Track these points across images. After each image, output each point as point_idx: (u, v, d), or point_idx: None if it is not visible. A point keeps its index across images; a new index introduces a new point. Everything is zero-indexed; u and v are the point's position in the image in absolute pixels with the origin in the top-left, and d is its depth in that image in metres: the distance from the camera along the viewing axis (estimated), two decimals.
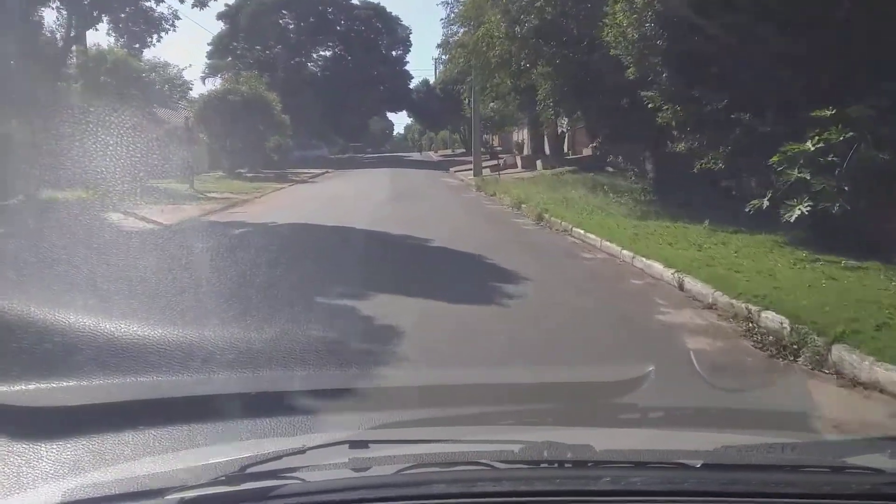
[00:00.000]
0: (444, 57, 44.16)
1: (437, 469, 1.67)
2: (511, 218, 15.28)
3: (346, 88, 49.44)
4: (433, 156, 63.12)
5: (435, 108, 57.61)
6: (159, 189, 18.21)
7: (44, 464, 2.42)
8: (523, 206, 16.02)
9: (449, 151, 62.73)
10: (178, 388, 4.00)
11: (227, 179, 26.90)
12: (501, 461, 1.68)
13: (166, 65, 28.50)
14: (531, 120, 31.76)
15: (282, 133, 34.68)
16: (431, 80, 60.43)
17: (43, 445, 2.60)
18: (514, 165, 30.95)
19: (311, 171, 34.50)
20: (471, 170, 30.39)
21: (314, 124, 46.31)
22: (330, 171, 36.28)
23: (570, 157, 30.50)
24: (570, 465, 1.71)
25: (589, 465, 1.70)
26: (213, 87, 34.34)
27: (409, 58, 63.28)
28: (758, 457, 1.86)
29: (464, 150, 53.77)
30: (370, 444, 1.79)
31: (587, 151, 27.71)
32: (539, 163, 28.11)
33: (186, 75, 31.41)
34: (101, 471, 2.14)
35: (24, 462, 2.46)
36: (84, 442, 2.70)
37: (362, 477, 1.60)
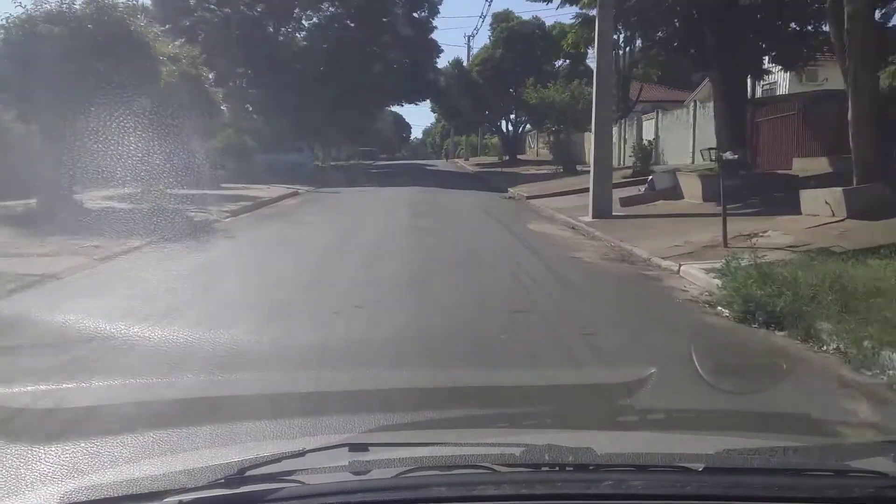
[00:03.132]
0: None
1: (438, 472, 1.66)
2: None
3: (347, 68, 32.69)
4: (466, 166, 44.75)
5: (469, 98, 41.88)
6: None
7: (42, 466, 2.41)
8: None
9: (494, 159, 42.61)
10: (175, 390, 3.99)
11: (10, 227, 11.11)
12: (502, 464, 1.66)
13: None
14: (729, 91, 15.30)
15: (205, 122, 17.46)
16: (465, 62, 45.03)
17: (41, 447, 2.59)
18: (664, 194, 14.27)
19: (266, 193, 19.39)
20: (554, 195, 16.45)
21: (300, 120, 31.48)
22: (303, 190, 21.83)
23: (754, 171, 15.02)
24: (571, 469, 1.70)
25: (590, 468, 1.69)
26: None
27: (436, 23, 40.64)
28: (760, 460, 1.85)
29: (508, 158, 40.57)
30: (370, 447, 1.78)
31: (799, 164, 14.99)
32: (836, 203, 10.15)
33: None
34: (99, 473, 2.13)
35: (22, 464, 2.45)
36: (82, 444, 2.69)
37: (362, 480, 1.59)
